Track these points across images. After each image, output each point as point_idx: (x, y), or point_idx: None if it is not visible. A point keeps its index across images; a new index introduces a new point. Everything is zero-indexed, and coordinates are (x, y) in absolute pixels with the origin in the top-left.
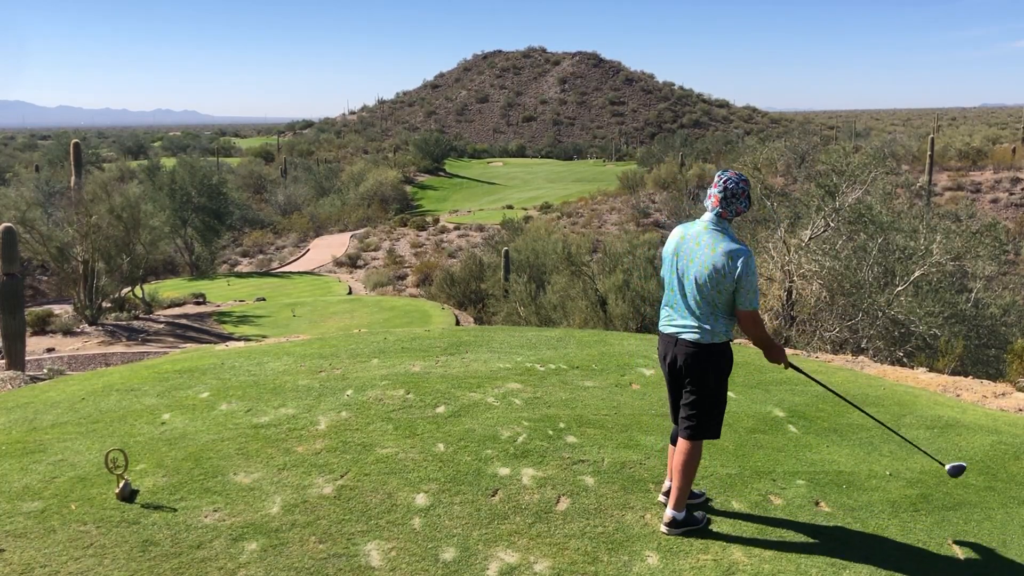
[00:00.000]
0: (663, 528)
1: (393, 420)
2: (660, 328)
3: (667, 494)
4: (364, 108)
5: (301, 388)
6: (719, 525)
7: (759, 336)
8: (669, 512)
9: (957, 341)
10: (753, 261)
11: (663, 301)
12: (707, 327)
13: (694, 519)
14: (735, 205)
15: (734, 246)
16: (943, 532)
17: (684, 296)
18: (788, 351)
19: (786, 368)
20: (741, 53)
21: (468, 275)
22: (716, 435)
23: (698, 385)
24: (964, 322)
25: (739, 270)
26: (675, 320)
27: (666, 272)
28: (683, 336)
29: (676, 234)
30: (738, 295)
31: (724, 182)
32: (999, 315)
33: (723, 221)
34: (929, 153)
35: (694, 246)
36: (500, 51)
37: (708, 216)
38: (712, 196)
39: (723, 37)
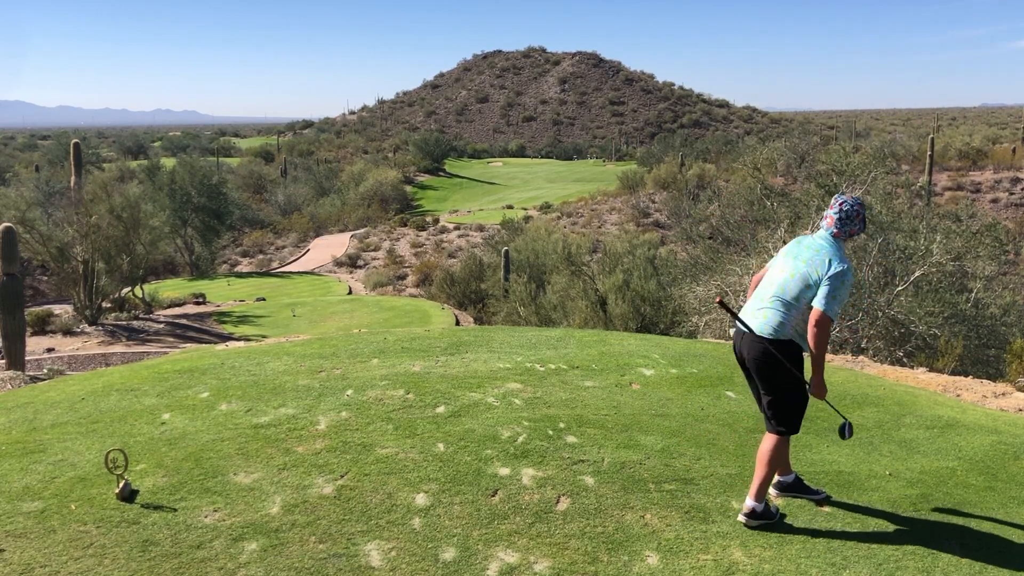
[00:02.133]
0: (741, 518)
1: (393, 420)
2: (737, 325)
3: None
4: (364, 108)
5: (301, 388)
6: (719, 525)
7: (819, 345)
8: (749, 502)
9: (957, 341)
10: (850, 277)
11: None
12: (778, 321)
13: (770, 512)
14: (849, 227)
15: (838, 255)
16: (943, 532)
17: (770, 286)
18: None
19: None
20: (741, 53)
21: (468, 275)
22: (793, 430)
23: (767, 382)
24: (964, 322)
25: (831, 271)
26: (748, 311)
27: (767, 271)
28: (754, 331)
29: (791, 242)
30: (819, 293)
31: (840, 205)
32: (999, 315)
33: (836, 240)
34: (929, 153)
35: (802, 248)
36: (500, 51)
37: (822, 232)
38: (828, 216)
39: (723, 37)
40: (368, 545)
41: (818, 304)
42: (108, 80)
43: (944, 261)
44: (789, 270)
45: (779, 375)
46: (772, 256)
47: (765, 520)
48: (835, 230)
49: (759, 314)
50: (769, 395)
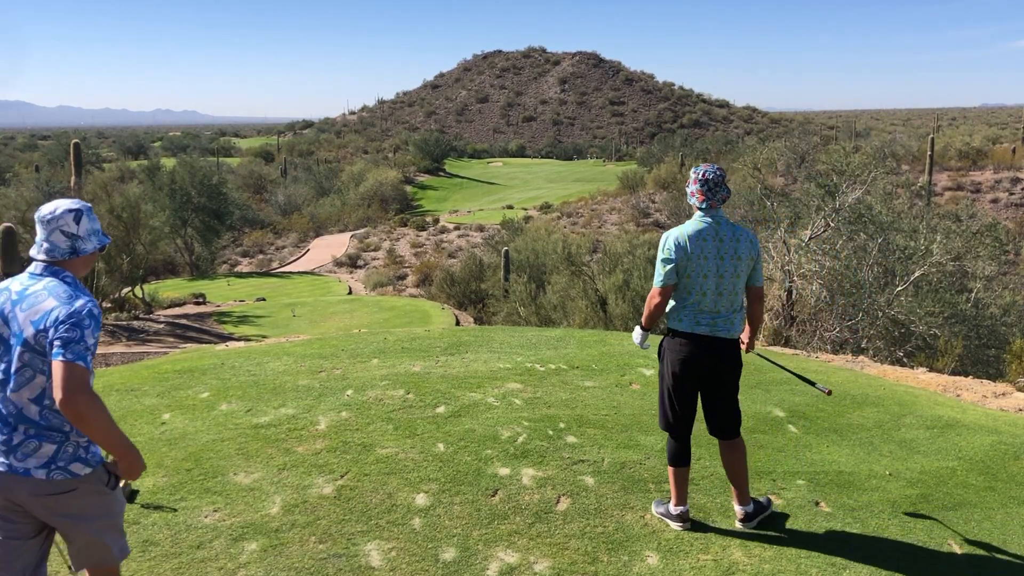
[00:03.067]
0: (739, 525)
1: (393, 420)
2: (693, 331)
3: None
4: (364, 108)
5: (301, 388)
6: (719, 525)
7: (762, 312)
8: (741, 508)
9: (957, 341)
10: None
11: (684, 303)
12: (740, 320)
13: (763, 505)
14: (720, 193)
15: (748, 231)
16: (943, 532)
17: (721, 295)
18: (788, 351)
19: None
20: (741, 53)
21: (468, 275)
22: None
23: (735, 385)
24: (964, 322)
25: (757, 250)
26: (708, 320)
27: (694, 275)
28: (727, 336)
29: (690, 236)
30: (755, 273)
31: (703, 175)
32: (999, 315)
33: (719, 212)
34: (929, 153)
35: (719, 244)
36: (500, 51)
37: (703, 215)
38: (696, 193)
39: (723, 37)
40: (368, 545)
41: (760, 283)
42: (108, 80)
43: (944, 261)
44: (732, 273)
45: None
46: (771, 256)
47: (762, 515)
48: (711, 201)
49: (732, 327)
50: (733, 396)
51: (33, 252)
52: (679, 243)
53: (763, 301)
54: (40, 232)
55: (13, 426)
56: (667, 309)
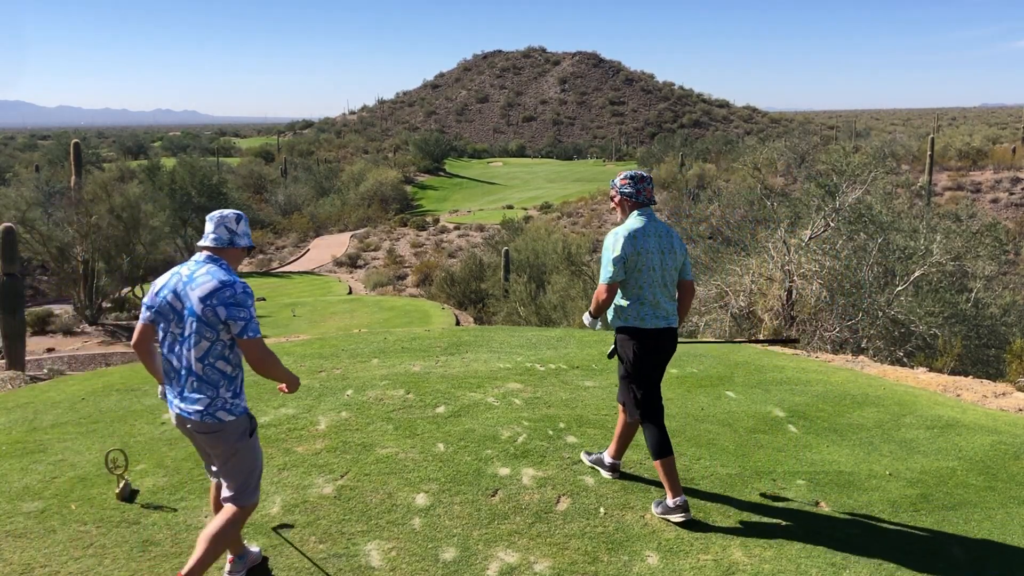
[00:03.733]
0: (610, 474)
1: (393, 420)
2: (648, 326)
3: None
4: (364, 108)
5: (301, 388)
6: (719, 525)
7: (690, 304)
8: (612, 460)
9: (957, 341)
10: None
11: (639, 299)
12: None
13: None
14: (648, 189)
15: (672, 229)
16: (943, 532)
17: (665, 287)
18: (788, 351)
19: None
20: (741, 53)
21: (468, 275)
22: None
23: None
24: (964, 322)
25: (684, 246)
26: (663, 314)
27: (644, 270)
28: (675, 326)
29: (638, 233)
30: (685, 268)
31: (636, 174)
32: (999, 315)
33: (651, 210)
34: (929, 153)
35: (658, 239)
36: (500, 51)
37: (640, 213)
38: (642, 191)
39: (723, 37)
40: (368, 545)
41: (691, 276)
42: (108, 80)
43: (944, 261)
44: (672, 266)
45: None
46: (771, 256)
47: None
48: (648, 195)
49: (676, 317)
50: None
51: (201, 243)
52: (630, 241)
53: (694, 293)
54: (209, 227)
55: (185, 378)
56: (623, 306)
